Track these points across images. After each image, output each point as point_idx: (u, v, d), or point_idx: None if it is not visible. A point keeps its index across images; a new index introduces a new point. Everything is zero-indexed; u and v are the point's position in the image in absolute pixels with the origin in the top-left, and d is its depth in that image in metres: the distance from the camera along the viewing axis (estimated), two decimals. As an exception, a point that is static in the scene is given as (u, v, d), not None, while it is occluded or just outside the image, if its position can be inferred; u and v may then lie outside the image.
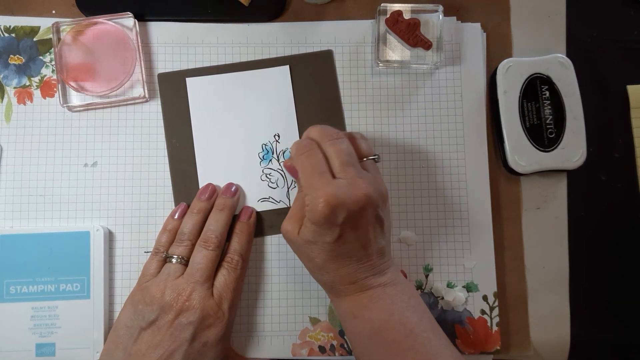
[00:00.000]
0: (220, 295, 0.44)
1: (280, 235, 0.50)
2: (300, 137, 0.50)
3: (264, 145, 0.51)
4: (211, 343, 0.43)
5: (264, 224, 0.50)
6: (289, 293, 0.50)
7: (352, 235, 0.40)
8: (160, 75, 0.51)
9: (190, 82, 0.51)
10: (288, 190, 0.50)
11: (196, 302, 0.43)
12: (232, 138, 0.51)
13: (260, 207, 0.50)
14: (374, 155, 0.44)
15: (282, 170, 0.50)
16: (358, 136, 0.44)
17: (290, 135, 0.51)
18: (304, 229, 0.41)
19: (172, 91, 0.51)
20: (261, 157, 0.51)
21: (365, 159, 0.43)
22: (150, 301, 0.43)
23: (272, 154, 0.51)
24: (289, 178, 0.50)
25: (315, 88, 0.51)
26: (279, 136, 0.51)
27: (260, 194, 0.50)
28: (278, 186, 0.50)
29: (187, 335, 0.42)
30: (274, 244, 0.50)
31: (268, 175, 0.50)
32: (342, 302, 0.43)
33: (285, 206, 0.50)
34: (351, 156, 0.42)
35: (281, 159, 0.51)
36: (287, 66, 0.51)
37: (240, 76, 0.51)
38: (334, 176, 0.41)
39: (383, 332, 0.41)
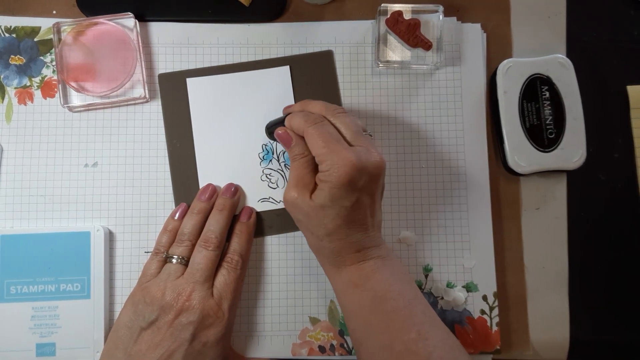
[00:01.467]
0: (220, 295, 0.44)
1: (280, 235, 0.50)
2: None
3: (264, 146, 0.51)
4: (211, 343, 0.43)
5: (264, 224, 0.50)
6: (289, 293, 0.50)
7: (366, 201, 0.42)
8: (161, 76, 0.51)
9: (190, 82, 0.51)
10: None
11: (196, 302, 0.43)
12: (233, 138, 0.51)
13: (260, 207, 0.50)
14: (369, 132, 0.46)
15: (282, 171, 0.50)
16: (352, 114, 0.46)
17: None
18: (320, 192, 0.41)
19: (172, 92, 0.51)
20: (261, 157, 0.51)
21: (364, 133, 0.45)
22: (150, 301, 0.43)
23: (273, 154, 0.51)
24: None
25: (316, 88, 0.51)
26: None
27: (260, 194, 0.50)
28: (278, 186, 0.50)
29: (187, 335, 0.42)
30: (274, 244, 0.50)
31: (268, 176, 0.50)
32: (343, 273, 0.43)
33: None
34: (358, 127, 0.43)
35: (281, 160, 0.51)
36: (288, 66, 0.51)
37: (240, 76, 0.51)
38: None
39: (384, 301, 0.41)
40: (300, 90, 0.51)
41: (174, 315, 0.43)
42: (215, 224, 0.46)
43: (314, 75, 0.52)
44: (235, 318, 0.48)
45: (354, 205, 0.41)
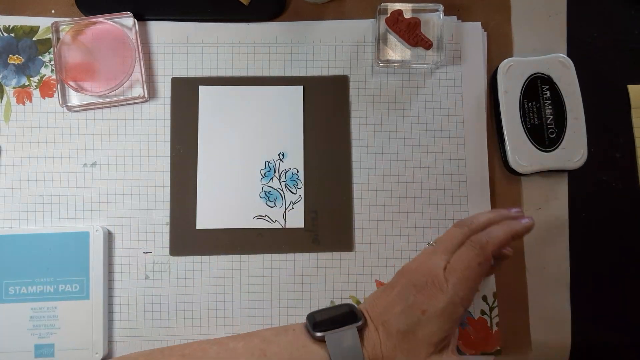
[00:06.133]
0: (451, 268, 0.40)
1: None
2: (304, 158, 0.50)
3: (267, 163, 0.50)
4: (430, 314, 0.39)
5: (257, 241, 0.49)
6: (289, 294, 0.49)
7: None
8: (174, 80, 0.51)
9: (203, 90, 0.51)
10: (285, 211, 0.50)
11: (422, 266, 0.40)
12: (236, 151, 0.50)
13: (255, 224, 0.49)
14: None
15: (282, 190, 0.50)
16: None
17: (294, 155, 0.50)
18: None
19: (183, 97, 0.51)
20: (262, 174, 0.50)
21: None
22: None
23: (274, 172, 0.50)
24: (288, 199, 0.50)
25: (327, 112, 0.51)
26: (283, 155, 0.50)
27: (256, 211, 0.50)
28: (276, 205, 0.50)
29: (409, 296, 0.39)
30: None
31: (267, 193, 0.50)
32: None
33: (280, 227, 0.50)
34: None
35: (282, 179, 0.50)
36: (301, 87, 0.51)
37: (253, 90, 0.51)
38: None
39: None
40: (311, 112, 0.51)
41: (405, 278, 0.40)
42: (495, 232, 0.41)
43: (326, 99, 0.51)
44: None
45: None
